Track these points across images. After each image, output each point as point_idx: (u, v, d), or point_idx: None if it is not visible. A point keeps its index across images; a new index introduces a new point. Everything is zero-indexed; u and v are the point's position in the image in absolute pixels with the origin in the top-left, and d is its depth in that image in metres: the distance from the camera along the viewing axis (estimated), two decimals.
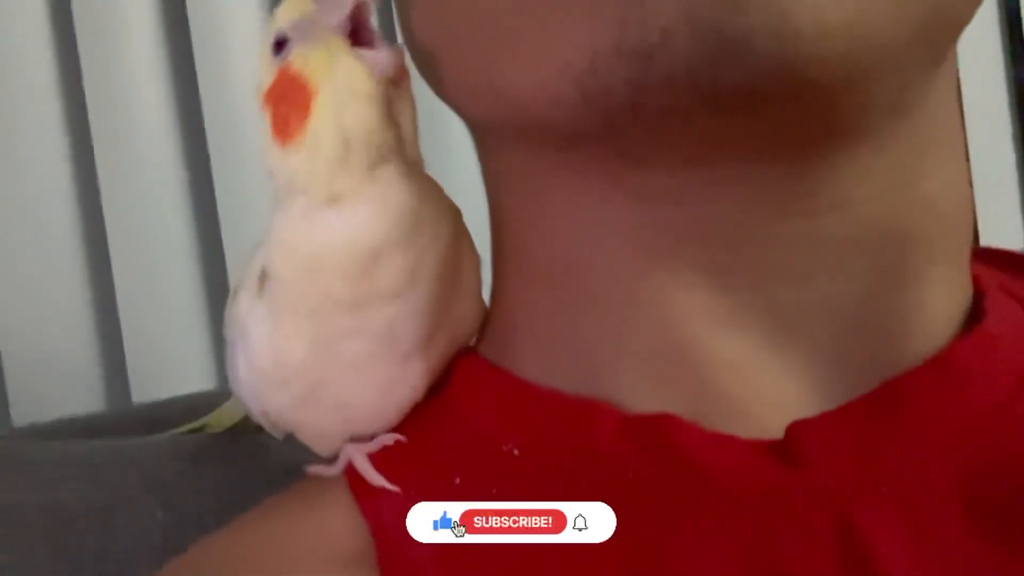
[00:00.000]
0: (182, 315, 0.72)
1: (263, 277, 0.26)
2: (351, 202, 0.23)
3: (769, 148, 0.20)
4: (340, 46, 0.23)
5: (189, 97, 0.73)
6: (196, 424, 0.41)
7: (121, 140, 0.71)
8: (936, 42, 0.20)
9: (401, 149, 0.24)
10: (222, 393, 0.50)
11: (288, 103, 0.24)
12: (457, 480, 0.25)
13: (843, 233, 0.22)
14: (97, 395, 0.70)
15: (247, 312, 0.27)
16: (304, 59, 0.23)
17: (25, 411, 0.66)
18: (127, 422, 0.46)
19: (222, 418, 0.41)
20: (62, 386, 0.69)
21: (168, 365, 0.70)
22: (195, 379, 0.70)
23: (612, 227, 0.23)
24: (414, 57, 0.26)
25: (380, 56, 0.23)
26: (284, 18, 0.24)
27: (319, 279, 0.24)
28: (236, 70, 0.71)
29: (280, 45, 0.24)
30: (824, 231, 0.22)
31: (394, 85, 0.24)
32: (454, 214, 0.27)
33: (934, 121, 0.22)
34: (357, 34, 0.24)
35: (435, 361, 0.27)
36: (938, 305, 0.23)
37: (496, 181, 0.27)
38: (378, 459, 0.27)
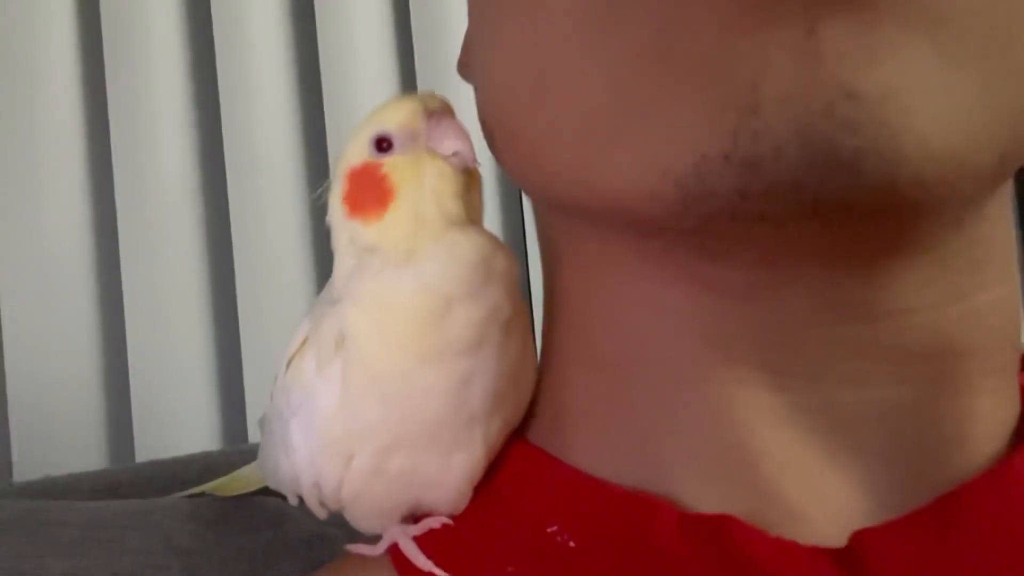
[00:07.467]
0: (191, 375, 0.71)
1: (339, 340, 0.26)
2: (423, 257, 0.25)
3: (842, 255, 0.21)
4: (428, 157, 0.26)
5: (214, 158, 0.74)
6: (209, 486, 0.41)
7: (142, 197, 0.72)
8: (1011, 167, 0.21)
9: (468, 216, 0.26)
10: (233, 452, 0.50)
11: (369, 192, 0.26)
12: (511, 569, 0.25)
13: (899, 340, 0.22)
14: (101, 451, 0.70)
15: (314, 376, 0.27)
16: (394, 167, 0.26)
17: (28, 465, 0.65)
18: (141, 479, 0.46)
19: (237, 484, 0.40)
20: (66, 441, 0.68)
21: (174, 424, 0.70)
22: (200, 439, 0.70)
23: (677, 316, 0.24)
24: (485, 129, 0.26)
25: (462, 156, 0.26)
26: (392, 119, 0.26)
27: (393, 329, 0.25)
28: (263, 141, 0.72)
29: (382, 143, 0.26)
30: (881, 337, 0.22)
31: (468, 172, 0.27)
32: (517, 269, 0.27)
33: (991, 239, 0.23)
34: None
35: (497, 428, 0.27)
36: (989, 416, 0.24)
37: (557, 259, 0.27)
38: (424, 542, 0.27)
